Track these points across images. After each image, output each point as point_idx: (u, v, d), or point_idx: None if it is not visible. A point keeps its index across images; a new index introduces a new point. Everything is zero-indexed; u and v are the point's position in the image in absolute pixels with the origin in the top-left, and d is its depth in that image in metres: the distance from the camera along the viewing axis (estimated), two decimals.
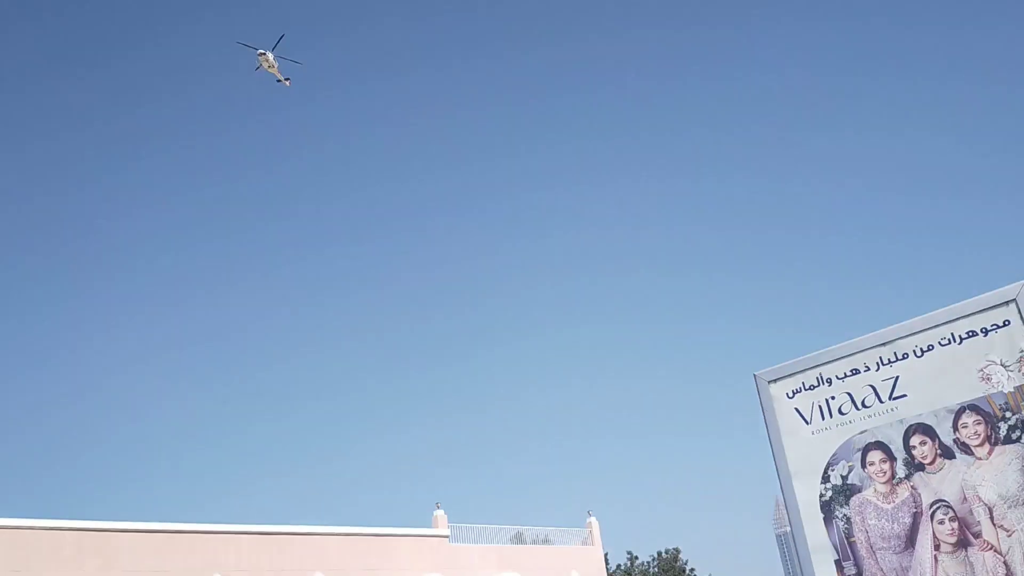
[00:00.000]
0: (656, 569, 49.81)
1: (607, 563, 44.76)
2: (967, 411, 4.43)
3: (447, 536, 34.82)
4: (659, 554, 50.60)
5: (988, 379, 4.39)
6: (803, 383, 5.09)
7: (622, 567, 50.16)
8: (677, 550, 50.40)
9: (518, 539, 38.39)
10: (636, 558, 50.73)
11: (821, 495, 4.89)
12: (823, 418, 4.97)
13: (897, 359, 4.73)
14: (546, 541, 38.98)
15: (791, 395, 5.13)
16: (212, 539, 29.69)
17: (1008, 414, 4.30)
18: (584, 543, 39.51)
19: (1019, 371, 4.30)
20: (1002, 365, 4.35)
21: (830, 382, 4.98)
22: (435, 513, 35.57)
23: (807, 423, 5.03)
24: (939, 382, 4.55)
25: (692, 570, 50.01)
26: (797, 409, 5.09)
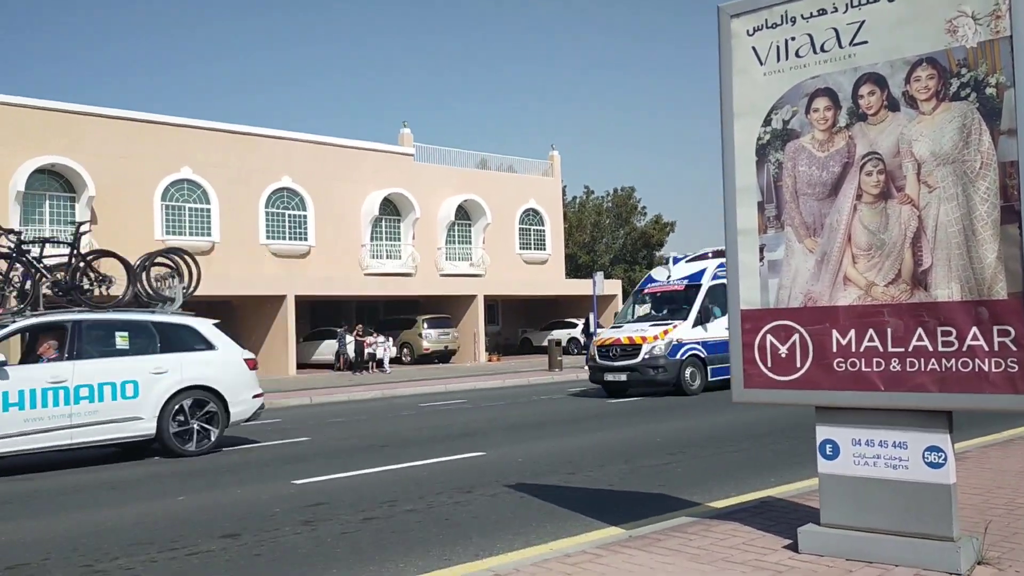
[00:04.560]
0: (610, 204, 52.31)
1: (564, 195, 46.74)
2: (924, 64, 4.24)
3: (412, 155, 35.56)
4: (615, 191, 52.82)
5: (954, 31, 4.14)
6: (766, 20, 4.79)
7: (578, 199, 52.53)
8: (632, 188, 52.57)
9: (482, 165, 39.38)
10: (593, 192, 53.00)
11: (759, 138, 4.84)
12: (778, 59, 4.75)
13: (868, 1, 4.40)
14: (509, 169, 40.07)
15: (751, 32, 4.85)
16: (182, 132, 29.99)
17: (963, 71, 4.13)
18: (544, 174, 40.78)
19: (988, 26, 4.04)
20: (972, 18, 4.07)
21: (794, 21, 4.68)
22: (401, 131, 35.93)
23: (761, 63, 4.82)
24: (904, 30, 4.29)
25: (644, 207, 52.67)
26: (754, 48, 4.84)
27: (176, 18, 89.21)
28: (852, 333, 4.49)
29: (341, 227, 33.50)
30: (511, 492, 7.29)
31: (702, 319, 16.63)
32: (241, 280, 29.22)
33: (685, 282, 17.43)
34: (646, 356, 16.16)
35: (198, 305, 13.37)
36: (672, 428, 11.34)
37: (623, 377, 16.51)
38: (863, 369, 4.44)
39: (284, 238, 32.47)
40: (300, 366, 30.93)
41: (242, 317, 30.65)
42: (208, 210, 30.62)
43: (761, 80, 4.82)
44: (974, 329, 4.11)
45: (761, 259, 4.82)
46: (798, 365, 4.67)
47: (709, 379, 16.47)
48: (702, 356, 16.46)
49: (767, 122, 4.81)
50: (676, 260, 18.44)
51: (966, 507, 5.35)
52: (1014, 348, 4.00)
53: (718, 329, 16.32)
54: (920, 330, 4.27)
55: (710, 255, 17.77)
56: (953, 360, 4.16)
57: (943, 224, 4.21)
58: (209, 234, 30.56)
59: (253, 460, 10.05)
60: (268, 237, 32.02)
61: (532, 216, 39.55)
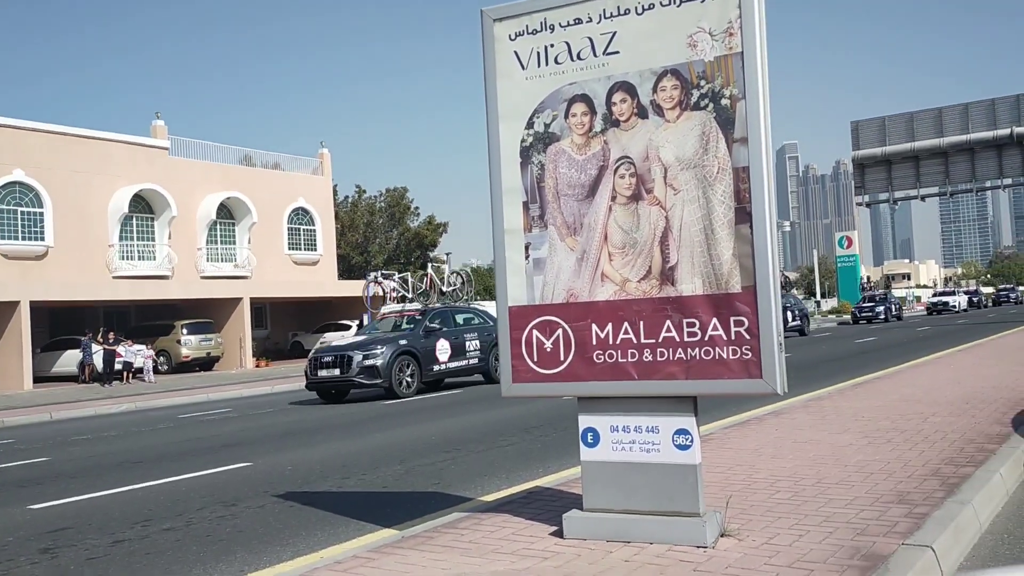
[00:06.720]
0: (383, 204, 52.04)
1: (336, 194, 45.84)
2: (669, 75, 4.57)
3: (167, 148, 33.22)
4: (387, 190, 52.59)
5: (695, 46, 4.49)
6: (527, 26, 4.94)
7: (350, 199, 51.75)
8: (405, 188, 52.64)
9: (247, 161, 37.67)
10: (365, 192, 52.44)
11: (523, 140, 4.99)
12: (539, 65, 4.92)
13: (619, 14, 4.67)
14: (276, 167, 38.65)
15: (513, 37, 4.98)
16: None
17: (703, 83, 4.49)
18: (314, 172, 39.73)
19: (723, 42, 4.43)
20: (710, 34, 4.45)
21: (552, 28, 4.86)
22: (154, 123, 33.42)
23: (523, 68, 4.96)
24: (651, 43, 4.60)
25: (417, 208, 52.95)
26: (516, 52, 4.98)
27: None
28: (610, 327, 4.74)
29: (85, 226, 30.62)
30: (280, 502, 7.00)
31: None
32: None
33: None
34: None
35: None
36: (449, 426, 11.45)
37: None
38: (620, 360, 4.71)
39: (16, 238, 29.15)
40: (38, 380, 27.88)
41: None
42: None
43: (524, 84, 4.96)
44: (714, 320, 4.48)
45: (527, 257, 4.96)
46: (562, 358, 4.86)
47: None
48: None
49: (530, 125, 4.96)
50: None
51: (711, 484, 5.84)
52: (748, 337, 4.41)
53: None
54: (668, 322, 4.60)
55: None
56: (697, 349, 4.52)
57: (687, 224, 4.56)
58: None
59: None
60: None
61: (301, 215, 38.39)
